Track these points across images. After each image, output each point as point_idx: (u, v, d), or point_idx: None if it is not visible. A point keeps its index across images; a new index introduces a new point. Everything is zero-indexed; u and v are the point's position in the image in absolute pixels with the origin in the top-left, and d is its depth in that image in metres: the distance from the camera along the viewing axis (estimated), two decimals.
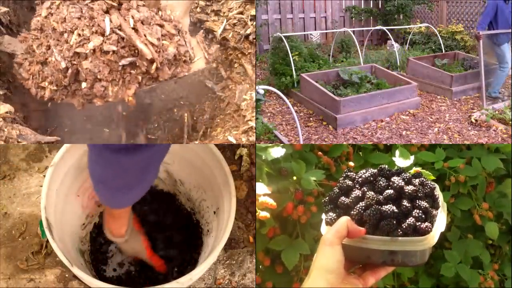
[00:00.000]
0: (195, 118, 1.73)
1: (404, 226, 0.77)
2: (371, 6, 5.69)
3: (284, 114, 3.15)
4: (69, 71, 1.37)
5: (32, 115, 1.69)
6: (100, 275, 1.53)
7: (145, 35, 1.38)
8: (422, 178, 0.86)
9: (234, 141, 1.68)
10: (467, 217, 1.51)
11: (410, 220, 0.78)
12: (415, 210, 0.79)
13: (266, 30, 5.00)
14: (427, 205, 0.80)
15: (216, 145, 1.50)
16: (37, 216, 1.64)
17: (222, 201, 1.48)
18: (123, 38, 1.36)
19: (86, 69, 1.35)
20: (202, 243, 1.60)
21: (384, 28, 4.50)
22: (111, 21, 1.35)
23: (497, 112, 2.94)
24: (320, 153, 1.33)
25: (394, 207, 0.79)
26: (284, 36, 3.63)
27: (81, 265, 1.42)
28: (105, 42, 1.34)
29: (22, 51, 1.46)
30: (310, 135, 2.74)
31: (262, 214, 1.11)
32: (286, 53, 3.57)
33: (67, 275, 1.53)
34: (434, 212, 0.81)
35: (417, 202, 0.80)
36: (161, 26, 1.46)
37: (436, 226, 0.79)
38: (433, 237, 0.78)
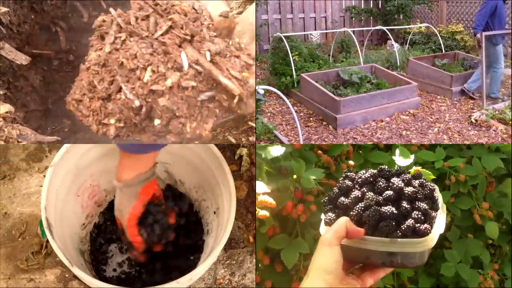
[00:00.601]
0: None
1: (403, 228, 0.77)
2: (371, 6, 5.69)
3: (284, 114, 3.15)
4: (143, 109, 1.29)
5: (32, 115, 1.69)
6: (100, 275, 1.53)
7: (227, 69, 1.32)
8: (422, 179, 0.86)
9: (234, 141, 1.68)
10: (467, 216, 1.51)
11: (409, 221, 0.78)
12: (415, 212, 0.79)
13: (266, 30, 5.00)
14: (427, 207, 0.80)
15: (216, 145, 1.50)
16: (37, 216, 1.64)
17: (222, 201, 1.48)
18: (200, 73, 1.29)
19: (162, 106, 1.27)
20: (203, 243, 1.60)
21: (384, 28, 4.50)
22: (187, 56, 1.28)
23: (497, 112, 2.94)
24: (319, 151, 1.33)
25: (393, 209, 0.79)
26: (284, 36, 3.63)
27: (81, 265, 1.42)
28: (182, 78, 1.28)
29: (79, 88, 1.38)
30: (310, 135, 2.74)
31: (262, 213, 1.11)
32: (286, 53, 3.57)
33: (67, 275, 1.53)
34: (433, 213, 0.81)
35: (417, 203, 0.80)
36: (237, 57, 1.40)
37: (435, 227, 0.79)
38: (432, 238, 0.78)
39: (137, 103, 1.27)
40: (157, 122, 1.31)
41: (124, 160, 1.32)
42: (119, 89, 1.30)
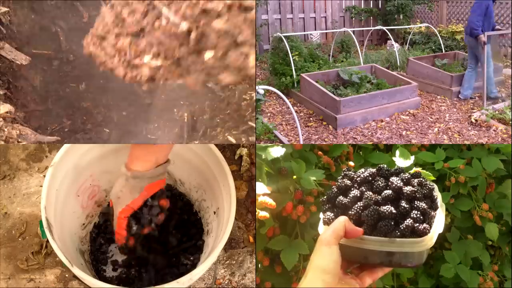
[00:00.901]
0: (195, 118, 1.73)
1: (402, 227, 0.77)
2: (371, 6, 5.69)
3: (284, 114, 3.15)
4: (192, 35, 0.98)
5: (32, 115, 1.69)
6: (100, 275, 1.53)
7: None
8: (421, 179, 0.86)
9: (234, 141, 1.68)
10: (467, 218, 1.51)
11: (408, 221, 0.78)
12: (413, 211, 0.79)
13: (266, 30, 5.00)
14: (426, 206, 0.80)
15: (216, 145, 1.50)
16: (37, 216, 1.65)
17: (222, 201, 1.48)
18: None
19: (218, 31, 0.96)
20: (203, 243, 1.60)
21: (384, 28, 4.50)
22: None
23: (497, 112, 2.94)
24: (320, 152, 1.33)
25: (392, 208, 0.79)
26: (284, 36, 3.63)
27: (81, 265, 1.42)
28: None
29: (101, 25, 1.10)
30: (310, 135, 2.74)
31: (262, 214, 1.11)
32: (286, 53, 3.57)
33: (67, 275, 1.53)
34: (432, 213, 0.81)
35: (416, 203, 0.80)
36: None
37: (434, 227, 0.79)
38: (431, 238, 0.78)
39: (183, 26, 0.97)
40: (209, 55, 0.99)
41: (135, 150, 1.25)
42: (157, 18, 1.01)
